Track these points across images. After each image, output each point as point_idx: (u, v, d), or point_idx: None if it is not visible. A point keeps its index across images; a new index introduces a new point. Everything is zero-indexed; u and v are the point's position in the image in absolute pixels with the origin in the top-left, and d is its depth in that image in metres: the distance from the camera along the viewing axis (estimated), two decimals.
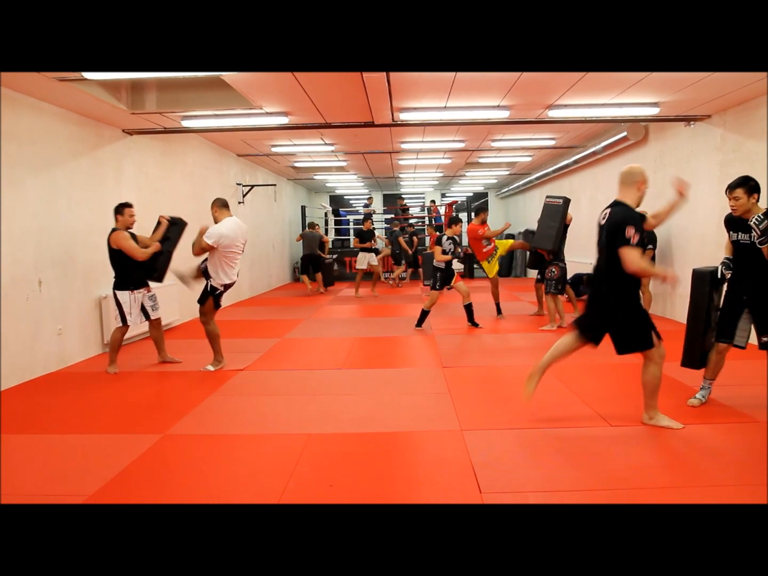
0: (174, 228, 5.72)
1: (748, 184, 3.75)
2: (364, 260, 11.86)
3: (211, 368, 5.49)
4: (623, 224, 3.43)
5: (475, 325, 7.62)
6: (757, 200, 3.79)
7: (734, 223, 3.90)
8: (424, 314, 7.61)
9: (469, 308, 7.65)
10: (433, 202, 17.48)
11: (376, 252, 12.27)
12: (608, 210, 3.64)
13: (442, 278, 7.50)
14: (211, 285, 5.37)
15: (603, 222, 3.65)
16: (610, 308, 3.62)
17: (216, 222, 5.34)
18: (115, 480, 3.08)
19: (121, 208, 5.45)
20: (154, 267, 5.58)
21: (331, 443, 3.60)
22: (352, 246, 17.16)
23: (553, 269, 7.28)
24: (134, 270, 5.45)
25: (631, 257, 3.40)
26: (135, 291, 5.47)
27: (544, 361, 3.84)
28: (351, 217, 18.60)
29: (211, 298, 5.41)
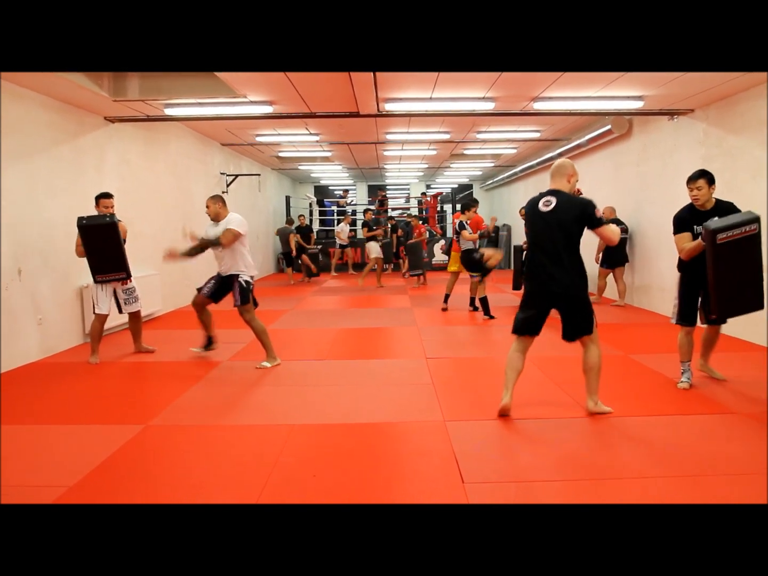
0: (92, 233, 5.20)
1: (708, 176, 4.08)
2: (375, 249, 11.66)
3: (267, 365, 5.22)
4: (589, 208, 3.57)
5: (491, 317, 7.62)
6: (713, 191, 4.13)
7: (697, 216, 4.11)
8: (484, 301, 7.66)
9: (483, 301, 7.64)
10: (424, 194, 17.43)
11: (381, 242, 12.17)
12: (551, 198, 3.65)
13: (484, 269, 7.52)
14: (245, 280, 5.13)
15: (548, 210, 3.63)
16: (570, 291, 3.63)
17: (220, 217, 5.18)
18: (96, 471, 3.06)
19: (96, 200, 5.44)
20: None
21: (314, 434, 3.60)
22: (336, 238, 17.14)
23: None
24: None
25: (612, 232, 3.65)
26: (103, 282, 5.43)
27: (509, 382, 3.79)
28: (335, 208, 18.54)
29: (251, 294, 5.18)
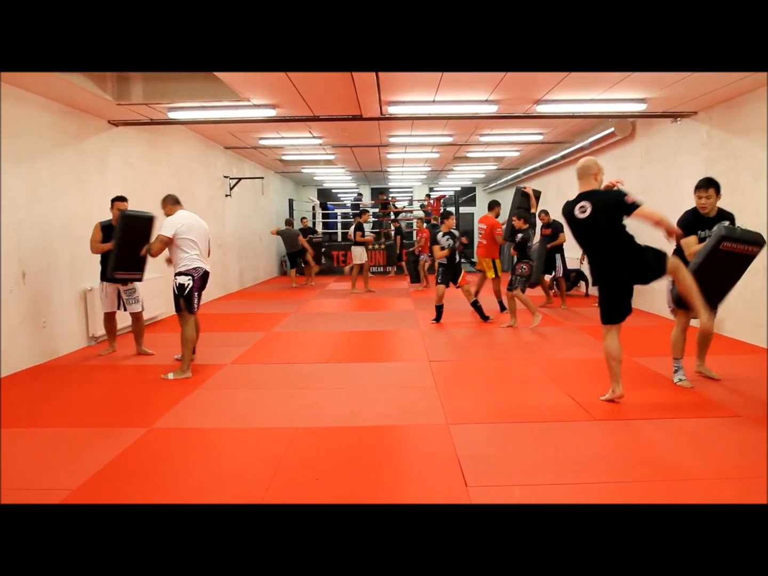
0: (131, 223, 5.33)
1: (716, 185, 4.21)
2: (362, 254, 11.38)
3: (170, 376, 4.95)
4: (619, 197, 3.72)
5: (486, 318, 7.58)
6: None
7: (700, 222, 4.25)
8: (438, 309, 7.62)
9: (475, 305, 7.60)
10: (428, 196, 17.40)
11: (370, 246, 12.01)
12: (585, 203, 3.79)
13: (444, 273, 7.47)
14: (179, 284, 4.88)
15: (584, 216, 3.77)
16: (636, 265, 3.83)
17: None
18: (99, 474, 3.06)
19: (111, 202, 5.61)
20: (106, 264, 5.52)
21: (317, 437, 3.60)
22: (340, 240, 17.15)
23: (524, 266, 7.30)
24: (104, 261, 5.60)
25: (651, 211, 3.73)
26: (104, 282, 5.61)
27: (616, 375, 4.00)
28: (339, 211, 18.55)
29: (182, 299, 4.90)
